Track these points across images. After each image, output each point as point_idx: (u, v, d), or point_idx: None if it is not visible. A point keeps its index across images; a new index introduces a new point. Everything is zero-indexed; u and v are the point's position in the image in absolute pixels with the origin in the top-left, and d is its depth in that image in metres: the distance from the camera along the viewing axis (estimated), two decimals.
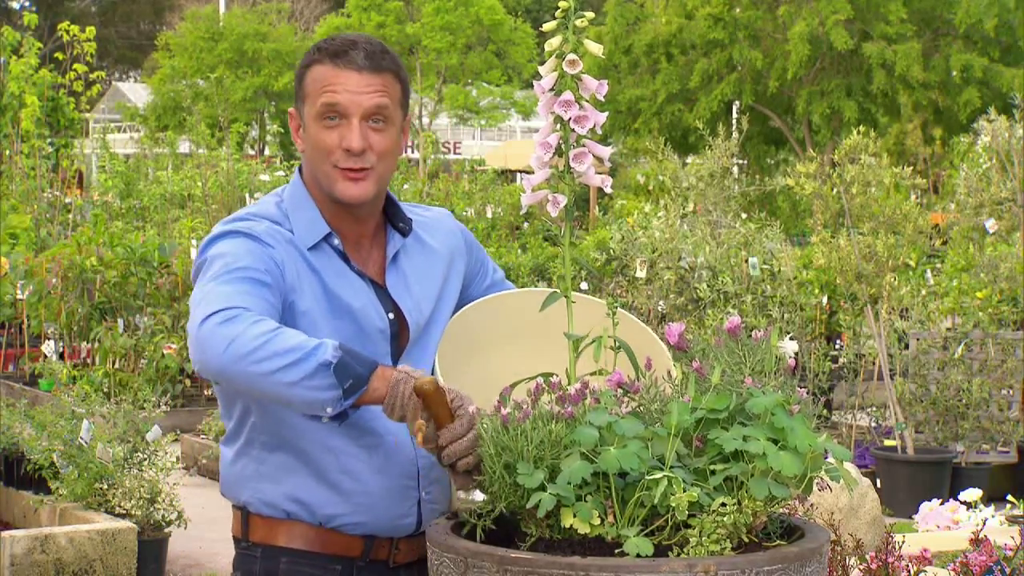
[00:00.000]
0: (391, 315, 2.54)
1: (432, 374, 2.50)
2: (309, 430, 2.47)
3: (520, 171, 26.33)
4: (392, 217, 2.60)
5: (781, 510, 2.17)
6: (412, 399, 2.24)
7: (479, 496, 2.22)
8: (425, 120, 31.75)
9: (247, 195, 14.42)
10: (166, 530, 6.32)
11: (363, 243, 2.57)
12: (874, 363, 9.13)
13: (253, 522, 2.54)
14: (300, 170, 2.60)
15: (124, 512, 6.20)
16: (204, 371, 2.30)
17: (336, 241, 2.52)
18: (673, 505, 2.03)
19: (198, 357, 2.28)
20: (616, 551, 2.05)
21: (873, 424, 9.08)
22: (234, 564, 2.61)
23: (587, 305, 2.58)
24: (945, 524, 5.71)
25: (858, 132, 8.61)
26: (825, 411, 9.21)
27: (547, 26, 2.38)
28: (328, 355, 2.21)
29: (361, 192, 2.50)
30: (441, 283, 2.64)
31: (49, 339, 10.64)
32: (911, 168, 8.78)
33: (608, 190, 2.47)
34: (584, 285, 11.23)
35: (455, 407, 2.24)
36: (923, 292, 9.37)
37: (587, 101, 2.37)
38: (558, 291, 2.47)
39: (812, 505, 2.19)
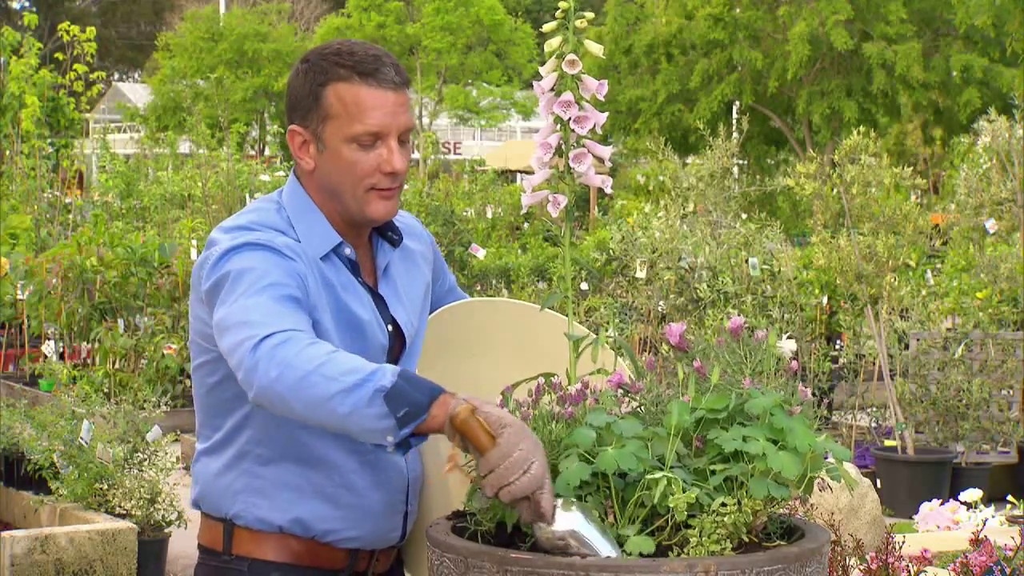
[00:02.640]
0: (390, 327, 2.50)
1: None
2: (309, 444, 2.43)
3: (520, 171, 26.35)
4: (381, 226, 2.53)
5: (781, 510, 2.17)
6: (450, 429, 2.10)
7: (562, 526, 2.02)
8: (425, 120, 31.76)
9: (247, 195, 14.41)
10: (166, 530, 6.32)
11: (358, 253, 2.51)
12: (874, 363, 9.12)
13: (238, 535, 2.47)
14: (297, 177, 2.50)
15: (124, 512, 6.20)
16: (259, 398, 2.18)
17: (348, 251, 2.45)
18: (673, 505, 2.03)
19: (251, 383, 2.17)
20: None
21: (873, 424, 9.08)
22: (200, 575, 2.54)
23: (530, 315, 2.61)
24: (945, 524, 5.71)
25: (858, 132, 8.60)
26: (825, 411, 9.21)
27: (547, 27, 2.38)
28: (385, 381, 2.07)
29: (392, 209, 2.45)
30: (424, 291, 2.62)
31: (49, 339, 10.64)
32: (911, 168, 8.77)
33: (608, 190, 2.47)
34: (584, 285, 11.23)
35: (496, 432, 2.05)
36: (923, 292, 9.37)
37: (587, 101, 2.37)
38: (558, 291, 2.47)
39: (812, 505, 2.19)
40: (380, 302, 2.51)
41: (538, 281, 12.41)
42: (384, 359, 2.46)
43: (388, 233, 2.54)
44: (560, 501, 2.05)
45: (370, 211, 2.43)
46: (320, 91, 2.39)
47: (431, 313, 2.67)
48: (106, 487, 6.28)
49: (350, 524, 2.47)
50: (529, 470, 2.03)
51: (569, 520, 2.02)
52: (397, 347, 2.51)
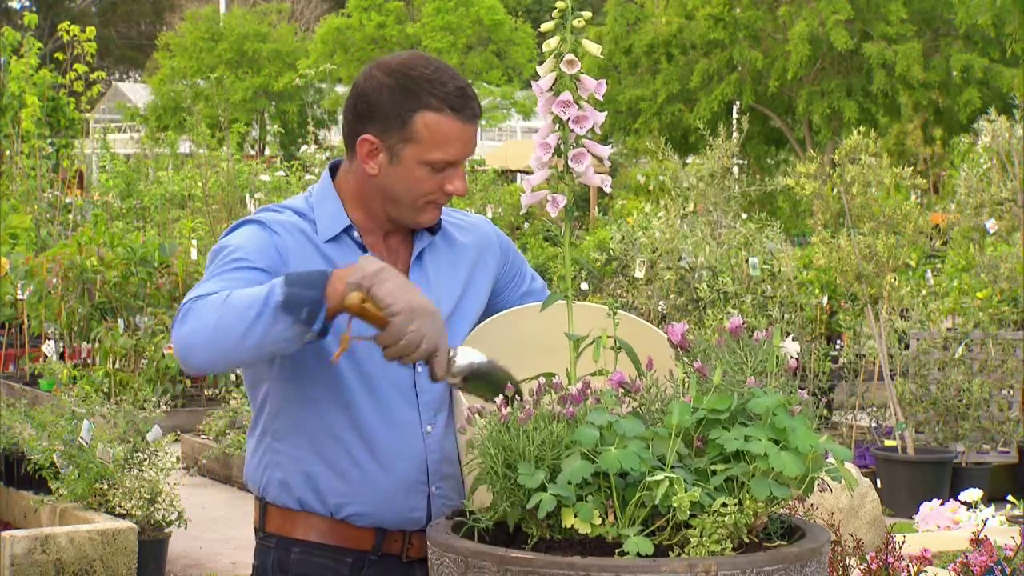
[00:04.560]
0: None
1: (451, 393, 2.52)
2: (319, 421, 2.51)
3: (520, 171, 26.32)
4: None
5: (782, 510, 2.17)
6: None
7: (459, 365, 2.32)
8: None
9: (247, 195, 14.39)
10: (166, 530, 6.32)
11: (391, 242, 2.62)
12: (874, 363, 9.12)
13: (270, 513, 2.58)
14: (331, 170, 2.64)
15: (124, 512, 6.20)
16: (187, 369, 2.35)
17: (356, 233, 2.57)
18: (674, 505, 2.03)
19: (177, 359, 2.36)
20: (616, 551, 2.05)
21: (873, 424, 9.08)
22: (254, 553, 2.65)
23: (599, 314, 2.58)
24: (945, 524, 5.71)
25: (858, 132, 8.60)
26: (826, 411, 9.20)
27: (545, 26, 2.39)
28: (277, 296, 2.22)
29: (437, 215, 2.60)
30: (464, 281, 2.67)
31: (49, 339, 10.64)
32: (911, 168, 8.77)
33: (607, 190, 2.48)
34: (584, 285, 11.23)
35: (388, 317, 2.23)
36: (923, 292, 9.37)
37: (586, 101, 2.37)
38: (558, 291, 2.47)
39: (812, 505, 2.19)
40: None
41: None
42: None
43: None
44: (458, 351, 2.35)
45: (422, 219, 2.57)
46: (410, 116, 2.49)
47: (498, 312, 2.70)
48: (106, 487, 6.28)
49: (360, 500, 2.52)
50: (421, 345, 2.26)
51: (465, 359, 2.35)
52: None
